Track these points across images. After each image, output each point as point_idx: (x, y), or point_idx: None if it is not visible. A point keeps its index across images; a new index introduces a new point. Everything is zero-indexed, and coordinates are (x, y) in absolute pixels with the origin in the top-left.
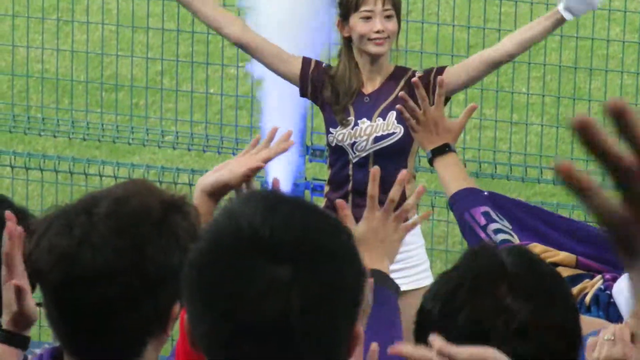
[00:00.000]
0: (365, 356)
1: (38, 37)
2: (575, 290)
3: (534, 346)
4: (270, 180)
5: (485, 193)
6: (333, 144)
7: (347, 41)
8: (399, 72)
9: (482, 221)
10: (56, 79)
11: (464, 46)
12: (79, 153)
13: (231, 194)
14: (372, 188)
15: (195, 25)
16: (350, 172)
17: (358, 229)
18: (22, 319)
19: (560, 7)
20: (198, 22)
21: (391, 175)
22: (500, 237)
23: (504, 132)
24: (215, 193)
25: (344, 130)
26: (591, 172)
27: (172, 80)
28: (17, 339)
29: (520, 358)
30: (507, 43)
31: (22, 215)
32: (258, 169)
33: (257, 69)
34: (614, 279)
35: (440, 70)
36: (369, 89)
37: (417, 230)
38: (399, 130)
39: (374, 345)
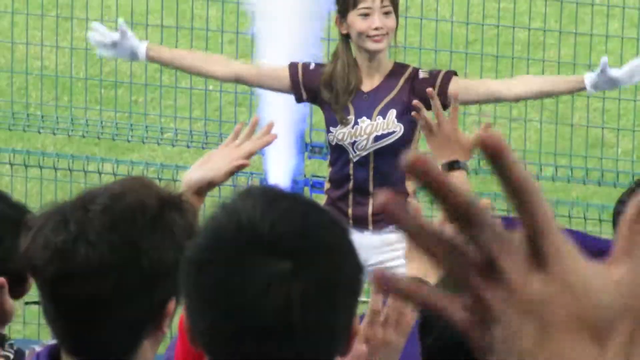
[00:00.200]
0: None
1: (37, 34)
2: None
3: None
4: (270, 179)
5: None
6: (333, 143)
7: (346, 38)
8: (398, 69)
9: None
10: (55, 76)
11: (463, 42)
12: (78, 150)
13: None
14: None
15: (194, 22)
16: (351, 171)
17: None
18: None
19: (587, 84)
20: (197, 18)
21: (392, 173)
22: None
23: (503, 128)
24: (200, 190)
25: (344, 130)
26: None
27: (171, 77)
28: None
29: None
30: (521, 87)
31: (21, 212)
32: (243, 167)
33: None
34: None
35: (449, 77)
36: (367, 86)
37: None
38: (399, 129)
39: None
